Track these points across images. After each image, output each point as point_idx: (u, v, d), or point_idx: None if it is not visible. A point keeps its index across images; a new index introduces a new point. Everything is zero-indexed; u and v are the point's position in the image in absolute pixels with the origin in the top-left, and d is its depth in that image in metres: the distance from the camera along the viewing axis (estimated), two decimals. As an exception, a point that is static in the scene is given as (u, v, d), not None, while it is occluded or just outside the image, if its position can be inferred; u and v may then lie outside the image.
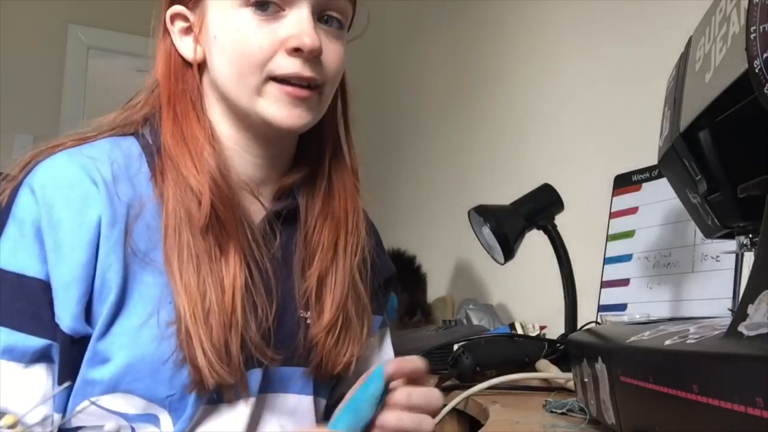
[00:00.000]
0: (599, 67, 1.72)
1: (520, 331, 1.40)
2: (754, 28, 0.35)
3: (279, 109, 0.69)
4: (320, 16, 0.70)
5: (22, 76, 3.05)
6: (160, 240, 0.67)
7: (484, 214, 1.36)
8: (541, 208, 1.36)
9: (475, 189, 2.15)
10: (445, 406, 0.86)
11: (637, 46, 1.60)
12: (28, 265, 0.63)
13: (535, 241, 1.37)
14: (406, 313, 1.97)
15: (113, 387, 0.64)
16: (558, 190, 1.35)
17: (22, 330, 0.63)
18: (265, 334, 0.69)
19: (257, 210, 0.74)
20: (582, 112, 1.76)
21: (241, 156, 0.74)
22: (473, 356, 0.98)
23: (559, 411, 0.74)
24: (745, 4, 0.37)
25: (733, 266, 1.25)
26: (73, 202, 0.65)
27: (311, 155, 0.78)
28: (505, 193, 1.44)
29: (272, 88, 0.68)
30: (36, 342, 0.63)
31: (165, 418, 0.66)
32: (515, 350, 1.06)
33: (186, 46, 0.72)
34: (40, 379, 0.64)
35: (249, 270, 0.69)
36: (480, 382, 0.87)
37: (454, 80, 2.38)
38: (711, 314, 1.27)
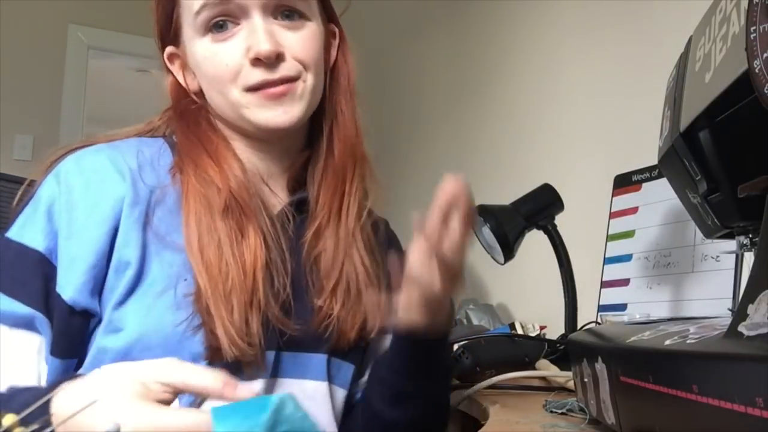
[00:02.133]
0: (599, 67, 1.72)
1: (520, 331, 1.40)
2: (754, 28, 0.35)
3: (264, 113, 0.73)
4: (277, 14, 0.73)
5: (22, 76, 3.06)
6: (181, 224, 0.71)
7: (484, 214, 1.36)
8: (541, 208, 1.36)
9: (475, 189, 2.14)
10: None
11: (637, 47, 1.60)
12: (32, 238, 0.67)
13: (535, 241, 1.37)
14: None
15: (123, 355, 0.66)
16: (558, 190, 1.35)
17: (11, 295, 0.66)
18: (287, 308, 0.73)
19: (275, 202, 0.79)
20: (582, 112, 1.76)
21: (253, 155, 0.79)
22: (473, 356, 0.98)
23: (559, 411, 0.74)
24: (745, 4, 0.37)
25: (733, 266, 1.25)
26: (92, 186, 0.69)
27: (316, 137, 0.81)
28: (505, 193, 1.44)
29: (250, 97, 0.72)
30: (20, 308, 0.65)
31: None
32: (515, 350, 1.06)
33: (183, 79, 0.79)
34: (25, 345, 0.66)
35: (268, 251, 0.72)
36: (480, 382, 0.87)
37: (455, 80, 2.38)
38: (711, 314, 1.27)
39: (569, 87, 1.82)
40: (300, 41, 0.73)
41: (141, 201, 0.71)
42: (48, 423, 0.47)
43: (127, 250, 0.69)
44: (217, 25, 0.72)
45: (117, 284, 0.68)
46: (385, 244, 0.86)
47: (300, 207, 0.80)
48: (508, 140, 2.05)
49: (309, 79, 0.74)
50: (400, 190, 2.59)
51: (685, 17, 1.47)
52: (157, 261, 0.70)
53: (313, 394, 0.75)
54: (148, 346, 0.66)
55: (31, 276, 0.66)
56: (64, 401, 0.50)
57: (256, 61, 0.71)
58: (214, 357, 0.67)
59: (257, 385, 0.67)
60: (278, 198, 0.79)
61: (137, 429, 0.46)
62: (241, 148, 0.78)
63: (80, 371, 0.67)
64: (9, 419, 0.43)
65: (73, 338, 0.67)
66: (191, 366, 0.51)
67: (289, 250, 0.76)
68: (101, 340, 0.67)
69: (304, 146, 0.82)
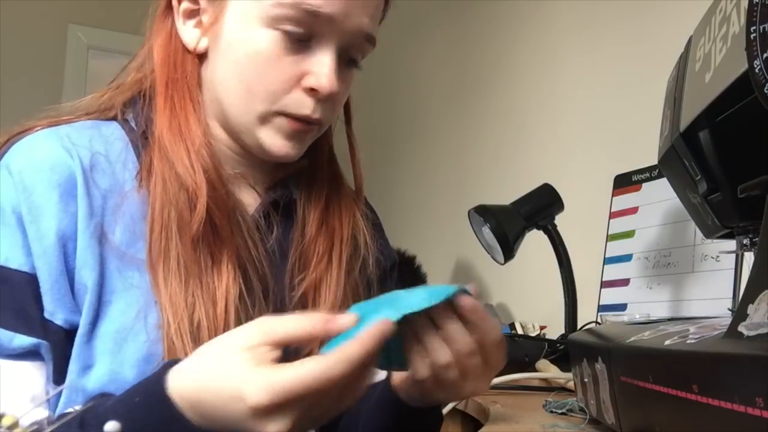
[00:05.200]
0: (600, 67, 1.72)
1: (520, 331, 1.40)
2: (754, 28, 0.35)
3: (279, 140, 0.66)
4: (342, 55, 0.66)
5: (22, 76, 3.05)
6: (144, 239, 0.62)
7: (484, 214, 1.36)
8: (541, 208, 1.36)
9: (475, 189, 2.15)
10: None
11: (637, 46, 1.60)
12: (10, 257, 0.58)
13: (535, 241, 1.37)
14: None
15: (98, 394, 0.59)
16: (558, 190, 1.35)
17: (8, 328, 0.57)
18: None
19: (252, 201, 0.71)
20: (582, 112, 1.76)
21: (232, 151, 0.70)
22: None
23: (559, 411, 0.74)
24: (745, 4, 0.37)
25: (733, 266, 1.25)
26: (55, 188, 0.59)
27: (309, 153, 0.74)
28: (505, 193, 1.44)
29: (280, 120, 0.65)
30: (22, 341, 0.57)
31: None
32: (515, 350, 1.06)
33: (189, 33, 0.66)
34: (29, 375, 0.58)
35: (244, 274, 0.64)
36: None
37: (454, 80, 2.38)
38: (711, 314, 1.27)
39: (569, 87, 1.82)
40: (344, 92, 0.68)
41: (95, 211, 0.61)
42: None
43: (84, 271, 0.60)
44: (295, 30, 0.62)
45: (81, 311, 0.60)
46: (370, 222, 0.79)
47: (283, 210, 0.72)
48: (508, 140, 2.05)
49: (322, 129, 0.70)
50: (399, 190, 2.59)
51: (685, 17, 1.47)
52: (119, 281, 0.61)
53: None
54: (122, 386, 0.57)
55: (25, 301, 0.58)
56: (184, 385, 0.48)
57: (312, 92, 0.64)
58: None
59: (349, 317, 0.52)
60: (255, 195, 0.71)
61: (275, 396, 0.44)
62: (222, 139, 0.69)
63: (58, 411, 0.59)
64: (9, 419, 0.43)
65: (67, 362, 0.60)
66: (285, 318, 0.48)
67: (269, 259, 0.68)
68: (74, 380, 0.59)
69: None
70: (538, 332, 1.43)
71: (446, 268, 2.25)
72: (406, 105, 2.65)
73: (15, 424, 0.42)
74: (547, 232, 1.35)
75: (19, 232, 0.58)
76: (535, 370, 0.99)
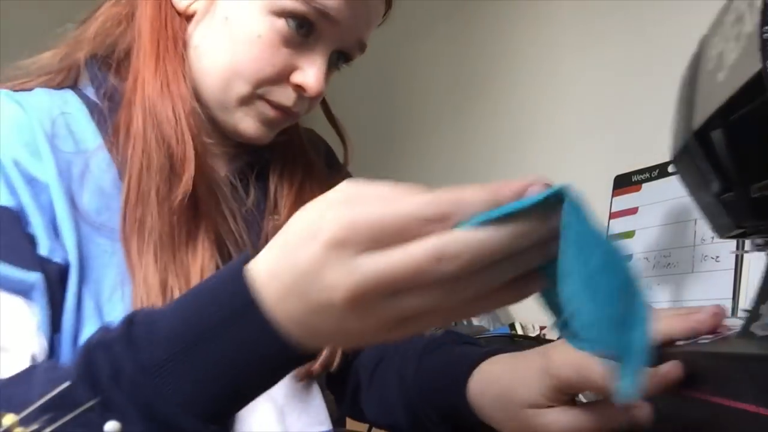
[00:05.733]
0: (599, 66, 1.72)
1: (520, 332, 1.40)
2: (767, 28, 0.35)
3: (253, 124, 0.65)
4: (331, 56, 0.66)
5: (19, 74, 3.04)
6: (117, 206, 0.58)
7: (484, 213, 1.36)
8: (541, 208, 1.36)
9: (473, 189, 2.14)
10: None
11: (637, 46, 1.60)
12: None
13: (535, 241, 1.37)
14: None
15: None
16: (558, 190, 1.35)
17: (9, 262, 0.53)
18: None
19: (222, 166, 0.68)
20: (582, 112, 1.76)
21: (206, 119, 0.67)
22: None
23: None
24: (758, 3, 0.37)
25: (733, 266, 1.25)
26: (24, 145, 0.57)
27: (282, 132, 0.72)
28: (506, 193, 1.44)
29: (261, 104, 0.64)
30: (17, 274, 0.53)
31: None
32: (515, 350, 1.06)
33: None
34: (30, 311, 0.54)
35: (221, 250, 0.61)
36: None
37: (453, 79, 2.37)
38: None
39: (569, 87, 1.82)
40: (324, 91, 0.67)
41: (63, 173, 0.58)
42: (48, 423, 0.43)
43: (65, 229, 0.56)
44: (299, 27, 0.62)
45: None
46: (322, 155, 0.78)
47: (254, 171, 0.70)
48: (508, 140, 2.05)
49: (300, 117, 0.70)
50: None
51: (686, 17, 1.47)
52: (94, 248, 0.58)
53: (285, 391, 0.66)
54: None
55: (14, 236, 0.54)
56: (265, 264, 0.39)
57: (299, 89, 0.64)
58: None
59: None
60: (224, 159, 0.69)
61: (358, 236, 0.34)
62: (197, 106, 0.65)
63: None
64: (9, 419, 0.43)
65: (61, 309, 0.56)
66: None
67: (247, 223, 0.66)
68: (69, 339, 0.55)
69: None
70: (538, 332, 1.43)
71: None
72: (404, 104, 2.64)
73: (15, 424, 0.42)
74: (547, 232, 1.35)
75: (2, 175, 0.55)
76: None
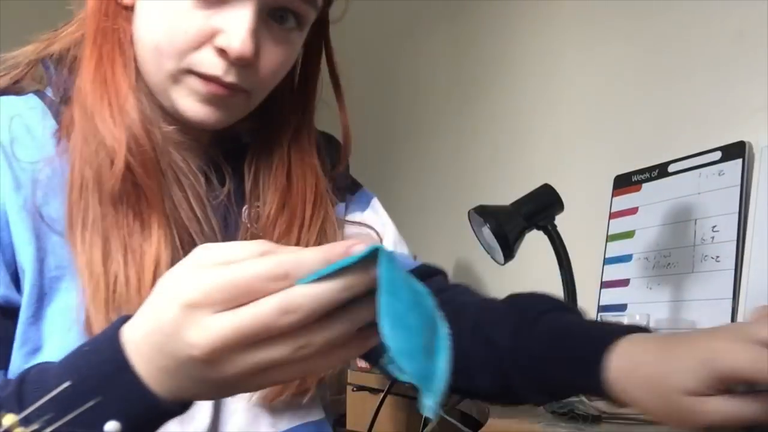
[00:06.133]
0: (599, 67, 1.72)
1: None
2: None
3: (192, 103, 0.61)
4: (273, 12, 0.61)
5: (21, 76, 3.05)
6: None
7: (484, 214, 1.36)
8: (541, 208, 1.36)
9: (475, 189, 2.15)
10: (446, 405, 0.86)
11: (637, 47, 1.60)
12: None
13: (535, 241, 1.37)
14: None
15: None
16: (558, 190, 1.35)
17: None
18: None
19: (193, 154, 0.65)
20: (582, 112, 1.76)
21: (163, 117, 0.64)
22: (473, 356, 0.97)
23: (560, 411, 0.74)
24: None
25: (733, 266, 1.25)
26: None
27: (267, 119, 0.70)
28: (505, 193, 1.44)
29: (191, 80, 0.60)
30: None
31: None
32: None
33: None
34: None
35: (183, 238, 0.60)
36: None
37: (454, 80, 2.37)
38: (711, 315, 1.27)
39: (569, 87, 1.82)
40: (276, 57, 0.62)
41: (23, 183, 0.57)
42: (49, 423, 0.44)
43: (20, 248, 0.56)
44: None
45: (23, 291, 0.56)
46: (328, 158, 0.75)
47: (233, 163, 0.68)
48: (509, 140, 2.05)
49: (256, 98, 0.65)
50: (399, 190, 2.59)
51: (686, 18, 1.47)
52: (63, 257, 0.57)
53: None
54: None
55: None
56: (136, 328, 0.41)
57: (222, 53, 0.58)
58: None
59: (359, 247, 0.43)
60: (197, 149, 0.66)
61: (212, 339, 0.38)
62: (150, 99, 0.63)
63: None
64: (9, 419, 0.43)
65: (7, 344, 0.56)
66: (288, 249, 0.40)
67: (218, 215, 0.64)
68: (21, 365, 0.55)
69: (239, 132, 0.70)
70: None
71: (446, 268, 2.24)
72: (405, 104, 2.64)
73: (15, 424, 0.42)
74: (547, 232, 1.35)
75: None
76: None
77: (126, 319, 0.43)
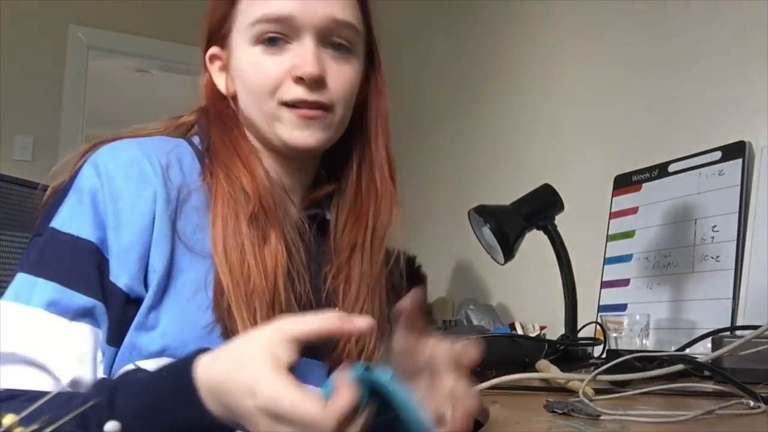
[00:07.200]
0: (600, 67, 1.72)
1: (520, 332, 1.40)
2: None
3: (293, 131, 0.76)
4: (326, 42, 0.76)
5: (22, 76, 3.05)
6: (207, 226, 0.73)
7: (484, 214, 1.36)
8: (541, 208, 1.36)
9: (475, 189, 2.15)
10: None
11: (637, 48, 1.60)
12: (81, 229, 0.68)
13: (535, 241, 1.37)
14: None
15: (159, 352, 0.67)
16: (558, 190, 1.35)
17: (70, 286, 0.66)
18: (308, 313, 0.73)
19: (293, 213, 0.81)
20: (582, 112, 1.77)
21: (277, 167, 0.81)
22: (473, 356, 0.97)
23: (561, 411, 0.74)
24: None
25: (733, 266, 1.25)
26: (132, 178, 0.71)
27: (339, 171, 0.85)
28: (505, 193, 1.44)
29: (285, 112, 0.75)
30: (81, 299, 0.66)
31: None
32: (515, 351, 1.06)
33: (222, 82, 0.81)
34: (82, 336, 0.66)
35: (290, 258, 0.75)
36: (480, 382, 0.87)
37: (455, 80, 2.38)
38: (711, 314, 1.27)
39: (569, 87, 1.82)
40: (341, 74, 0.77)
41: (171, 199, 0.72)
42: (48, 423, 0.46)
43: (157, 249, 0.70)
44: (270, 40, 0.75)
45: (152, 282, 0.69)
46: (399, 281, 0.88)
47: (317, 222, 0.82)
48: (509, 140, 2.05)
49: (339, 112, 0.78)
50: (399, 190, 2.59)
51: (686, 18, 1.48)
52: (186, 262, 0.72)
53: None
54: (184, 343, 0.68)
55: (87, 266, 0.67)
56: (210, 371, 0.53)
57: (299, 80, 0.74)
58: None
59: (363, 321, 0.59)
60: (293, 209, 0.82)
61: (278, 408, 0.49)
62: (266, 158, 0.81)
63: (113, 366, 0.69)
64: (9, 419, 0.43)
65: (127, 326, 0.68)
66: (302, 318, 0.53)
67: (309, 259, 0.78)
68: (136, 338, 0.68)
69: (329, 173, 0.86)
70: (538, 332, 1.43)
71: (446, 268, 2.25)
72: (406, 105, 2.64)
73: (15, 424, 0.42)
74: (547, 232, 1.35)
75: (92, 210, 0.69)
76: (535, 370, 0.99)
77: (195, 358, 0.55)
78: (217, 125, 0.80)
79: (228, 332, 0.69)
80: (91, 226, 0.68)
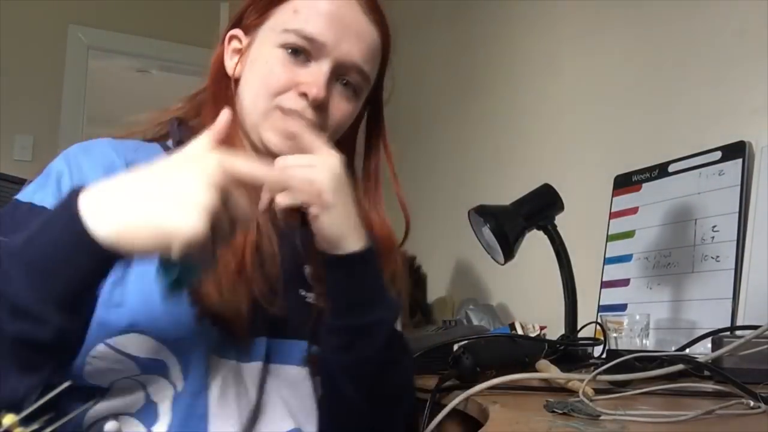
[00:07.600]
0: (600, 67, 1.72)
1: (520, 331, 1.40)
2: None
3: (275, 136, 0.79)
4: (339, 78, 0.81)
5: (22, 76, 3.06)
6: None
7: (484, 214, 1.36)
8: (541, 208, 1.36)
9: (475, 189, 2.15)
10: (442, 401, 0.86)
11: (637, 47, 1.60)
12: (43, 200, 0.73)
13: (535, 241, 1.37)
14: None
15: (128, 327, 0.69)
16: (558, 190, 1.35)
17: None
18: (274, 290, 0.76)
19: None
20: (582, 113, 1.76)
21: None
22: (473, 356, 0.97)
23: (561, 411, 0.74)
24: None
25: (733, 266, 1.25)
26: (99, 167, 0.76)
27: None
28: (505, 193, 1.44)
29: (276, 115, 0.79)
30: None
31: (174, 366, 0.71)
32: (515, 350, 1.06)
33: (231, 63, 0.85)
34: None
35: (260, 237, 0.77)
36: (480, 382, 0.87)
37: (455, 80, 2.38)
38: (711, 314, 1.27)
39: (569, 87, 1.82)
40: (341, 108, 0.82)
41: None
42: (48, 423, 0.45)
43: None
44: (295, 51, 0.79)
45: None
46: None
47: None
48: (509, 140, 2.05)
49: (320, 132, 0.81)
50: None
51: (686, 19, 1.48)
52: None
53: (295, 379, 0.79)
54: (152, 316, 0.70)
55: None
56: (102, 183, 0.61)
57: (303, 96, 0.78)
58: (202, 314, 0.71)
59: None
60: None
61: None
62: (249, 150, 0.84)
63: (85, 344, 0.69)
64: (9, 419, 0.43)
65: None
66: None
67: (283, 243, 0.79)
68: (103, 314, 0.69)
69: None
70: (538, 332, 1.43)
71: (446, 268, 2.25)
72: (406, 105, 2.64)
73: (15, 424, 0.42)
74: (547, 232, 1.35)
75: (55, 187, 0.74)
76: (535, 370, 0.99)
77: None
78: (213, 104, 0.82)
79: (196, 304, 0.70)
80: (52, 199, 0.72)
